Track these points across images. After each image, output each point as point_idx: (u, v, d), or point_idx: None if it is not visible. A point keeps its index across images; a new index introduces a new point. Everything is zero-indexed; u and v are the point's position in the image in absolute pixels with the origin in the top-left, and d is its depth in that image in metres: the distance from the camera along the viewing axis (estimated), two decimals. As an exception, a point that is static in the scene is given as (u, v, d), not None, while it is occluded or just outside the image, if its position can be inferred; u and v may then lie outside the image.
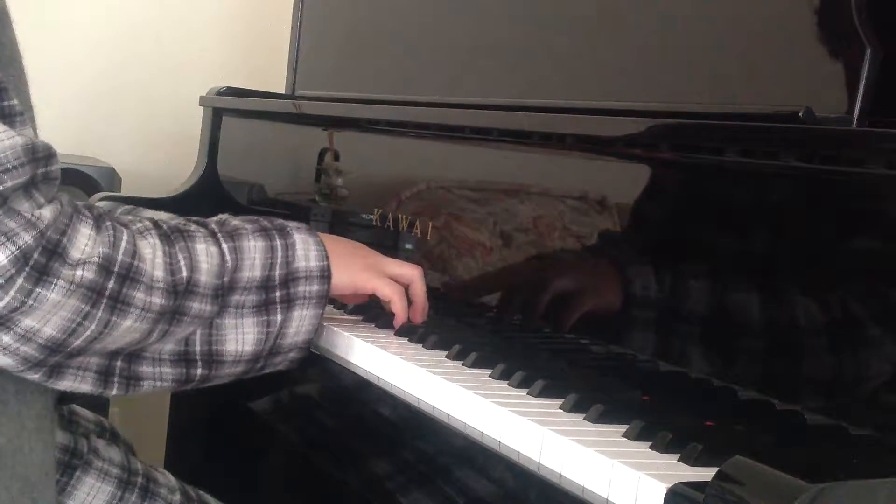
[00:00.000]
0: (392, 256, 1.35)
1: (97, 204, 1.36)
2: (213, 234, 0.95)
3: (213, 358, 0.95)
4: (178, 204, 1.84)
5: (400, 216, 1.33)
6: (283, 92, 1.90)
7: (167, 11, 2.38)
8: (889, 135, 0.80)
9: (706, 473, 0.66)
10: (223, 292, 0.93)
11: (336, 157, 1.55)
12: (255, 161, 1.82)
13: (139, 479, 1.08)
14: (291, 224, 1.01)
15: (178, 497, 1.11)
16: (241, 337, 0.95)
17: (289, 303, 0.97)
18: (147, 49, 2.37)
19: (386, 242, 1.36)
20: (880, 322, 0.79)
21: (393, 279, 1.10)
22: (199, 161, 1.91)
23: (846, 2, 0.88)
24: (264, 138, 1.80)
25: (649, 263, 1.00)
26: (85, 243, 0.83)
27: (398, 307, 1.09)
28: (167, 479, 1.13)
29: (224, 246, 0.94)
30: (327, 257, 1.00)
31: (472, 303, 1.21)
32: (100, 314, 0.84)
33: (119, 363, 0.91)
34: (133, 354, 0.91)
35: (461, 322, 1.21)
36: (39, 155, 0.83)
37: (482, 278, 1.21)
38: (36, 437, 0.91)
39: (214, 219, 1.00)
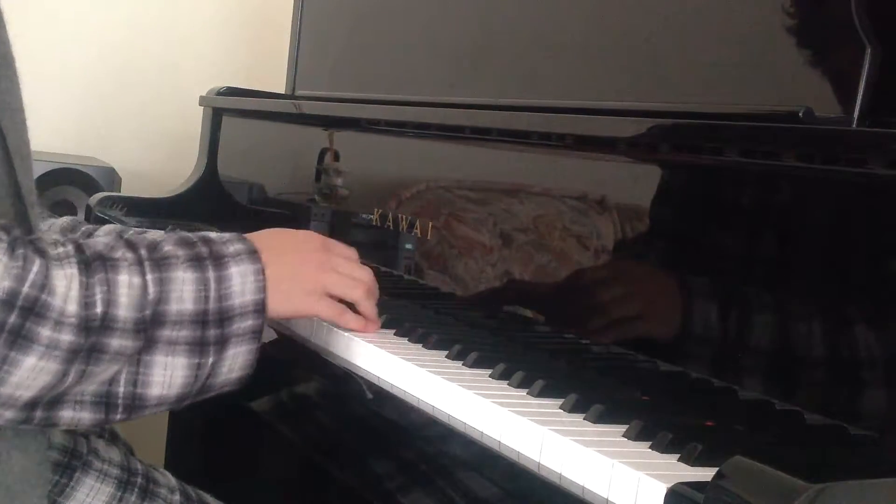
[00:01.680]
0: (392, 257, 1.35)
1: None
2: (139, 262, 0.87)
3: (135, 402, 0.88)
4: (178, 204, 1.84)
5: (400, 216, 1.33)
6: (283, 92, 1.90)
7: (167, 11, 2.39)
8: (889, 135, 0.80)
9: (706, 473, 0.66)
10: (146, 326, 0.86)
11: (336, 157, 1.55)
12: (255, 161, 1.82)
13: (139, 480, 1.08)
14: (231, 249, 0.92)
15: (177, 497, 1.10)
16: (168, 379, 0.88)
17: (223, 343, 0.90)
18: (147, 49, 2.37)
19: (386, 242, 1.36)
20: (880, 322, 0.79)
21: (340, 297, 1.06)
22: (199, 161, 1.92)
23: (846, 2, 0.88)
24: (264, 138, 1.80)
25: (648, 263, 1.00)
26: None
27: (352, 326, 1.07)
28: (167, 479, 1.12)
29: (148, 277, 0.86)
30: (264, 289, 0.91)
31: (472, 303, 1.21)
32: None
33: (38, 413, 0.85)
34: (54, 400, 0.85)
35: (461, 322, 1.21)
36: None
37: (482, 278, 1.21)
38: (16, 443, 0.88)
39: (147, 240, 0.91)
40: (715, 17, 1.04)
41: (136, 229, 1.21)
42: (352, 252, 1.09)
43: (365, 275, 1.08)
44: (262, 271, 0.92)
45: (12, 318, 0.78)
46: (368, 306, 1.09)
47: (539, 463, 0.81)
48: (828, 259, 0.84)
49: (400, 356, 1.02)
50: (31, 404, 0.83)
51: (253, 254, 0.92)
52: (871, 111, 0.87)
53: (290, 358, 1.20)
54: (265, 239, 0.96)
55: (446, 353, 1.06)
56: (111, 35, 2.34)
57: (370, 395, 1.04)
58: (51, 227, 1.23)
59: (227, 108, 1.88)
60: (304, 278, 1.01)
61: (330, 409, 1.43)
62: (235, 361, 0.91)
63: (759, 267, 0.89)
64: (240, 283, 0.90)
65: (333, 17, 1.80)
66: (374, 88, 1.59)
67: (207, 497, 1.16)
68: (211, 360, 0.89)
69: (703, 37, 1.05)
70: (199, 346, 0.89)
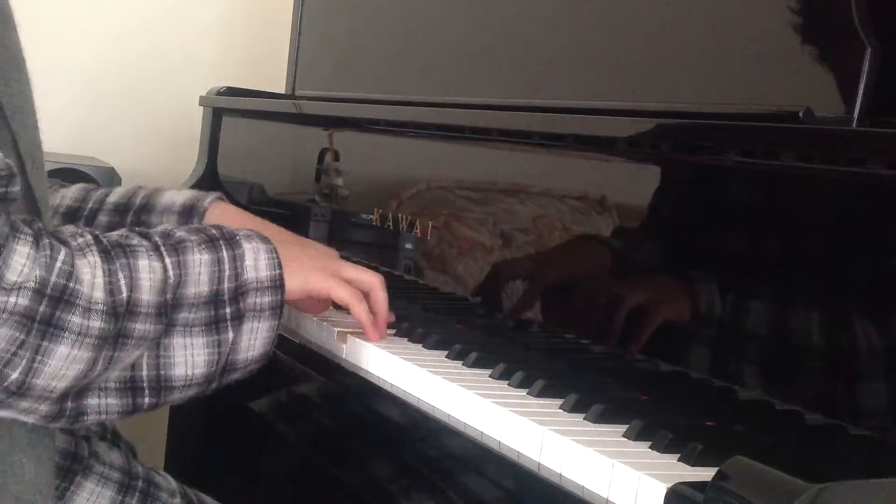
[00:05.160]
0: (392, 256, 1.35)
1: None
2: (156, 248, 0.88)
3: (161, 384, 0.89)
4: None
5: (400, 216, 1.33)
6: (283, 92, 1.90)
7: (167, 11, 2.38)
8: (889, 135, 0.80)
9: (706, 473, 0.66)
10: (167, 310, 0.87)
11: (336, 157, 1.55)
12: (255, 161, 1.82)
13: (140, 483, 1.07)
14: (242, 232, 0.95)
15: (178, 500, 1.10)
16: (190, 359, 0.89)
17: (239, 318, 0.91)
18: (147, 49, 2.37)
19: (386, 242, 1.36)
20: (880, 322, 0.79)
21: (349, 283, 1.05)
22: (199, 161, 1.92)
23: (846, 2, 0.89)
24: (264, 138, 1.80)
25: (648, 263, 1.00)
26: (22, 264, 0.78)
27: (357, 311, 1.05)
28: (168, 482, 1.12)
29: (167, 261, 0.88)
30: (280, 265, 0.94)
31: (472, 303, 1.21)
32: (31, 340, 0.79)
33: (69, 404, 0.85)
34: (82, 389, 0.86)
35: (461, 322, 1.21)
36: (2, 173, 0.79)
37: (482, 278, 1.21)
38: (29, 453, 0.88)
39: (159, 230, 0.93)
40: (715, 17, 1.04)
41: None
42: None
43: (375, 273, 1.09)
44: (275, 250, 0.94)
45: (42, 308, 0.79)
46: (381, 298, 1.08)
47: (539, 463, 0.81)
48: (828, 259, 0.84)
49: (400, 356, 1.02)
50: (64, 395, 0.84)
51: (263, 237, 0.95)
52: (871, 111, 0.87)
53: (290, 358, 1.20)
54: (273, 235, 0.99)
55: (446, 353, 1.06)
56: (111, 35, 2.34)
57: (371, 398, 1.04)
58: (62, 198, 1.23)
59: (227, 108, 1.88)
60: (314, 258, 1.03)
61: (329, 408, 1.43)
62: (255, 338, 0.92)
63: (759, 267, 0.89)
64: (252, 258, 0.92)
65: (333, 17, 1.80)
66: (374, 88, 1.59)
67: (208, 499, 1.16)
68: (231, 336, 0.90)
69: (703, 37, 1.05)
70: (215, 325, 0.90)
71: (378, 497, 1.23)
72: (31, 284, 0.78)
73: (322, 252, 1.08)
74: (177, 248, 0.89)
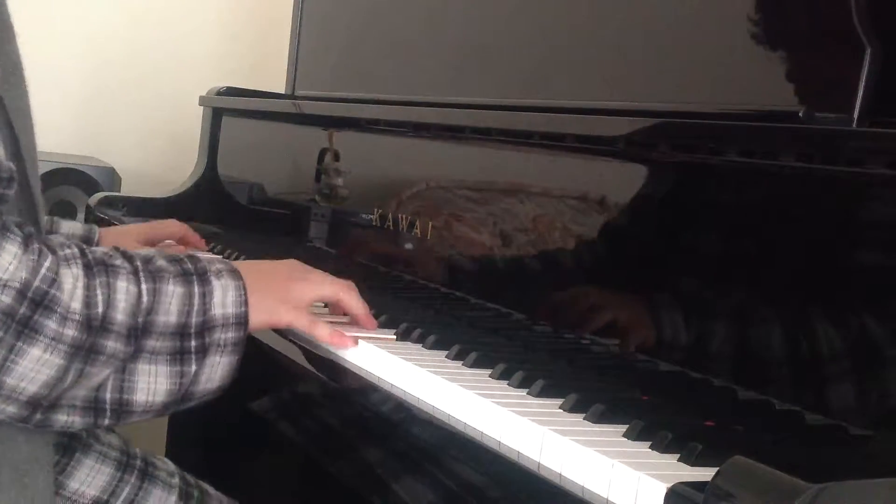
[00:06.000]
0: (391, 257, 1.35)
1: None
2: (135, 272, 0.91)
3: (122, 408, 0.92)
4: (178, 204, 1.84)
5: (400, 216, 1.33)
6: (283, 92, 1.90)
7: (167, 11, 2.39)
8: (889, 135, 0.80)
9: (706, 473, 0.66)
10: (138, 333, 0.90)
11: (336, 157, 1.55)
12: (255, 161, 1.83)
13: (138, 462, 1.10)
14: (214, 267, 0.97)
15: (177, 480, 1.12)
16: (153, 387, 0.92)
17: (204, 352, 0.94)
18: (147, 48, 2.37)
19: (386, 242, 1.36)
20: (880, 322, 0.79)
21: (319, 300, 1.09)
22: (199, 161, 1.92)
23: (846, 2, 0.89)
24: (264, 138, 1.80)
25: (648, 263, 1.00)
26: (9, 262, 0.81)
27: (320, 334, 1.07)
28: (166, 464, 1.14)
29: (143, 286, 0.91)
30: (246, 303, 0.96)
31: (472, 303, 1.21)
32: (7, 338, 0.82)
33: (38, 415, 0.88)
34: (52, 403, 0.88)
35: (461, 322, 1.21)
36: (3, 175, 0.82)
37: (481, 278, 1.21)
38: (22, 425, 0.90)
39: (142, 254, 0.96)
40: (715, 17, 1.04)
41: None
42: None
43: (339, 279, 1.10)
44: (244, 287, 0.96)
45: (22, 309, 0.82)
46: (347, 299, 1.09)
47: (539, 463, 0.81)
48: (828, 259, 0.84)
49: (400, 356, 1.02)
50: (33, 403, 0.86)
51: (234, 271, 0.97)
52: (871, 111, 0.87)
53: (290, 358, 1.20)
54: (244, 263, 1.03)
55: (446, 353, 1.06)
56: (111, 35, 2.34)
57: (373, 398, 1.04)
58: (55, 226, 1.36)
59: (227, 108, 1.88)
60: (276, 286, 1.05)
61: (330, 408, 1.43)
62: (215, 372, 0.94)
63: (759, 266, 0.89)
64: (221, 295, 0.95)
65: (333, 17, 1.80)
66: (374, 88, 1.59)
67: (206, 485, 1.17)
68: (193, 368, 0.93)
69: (702, 37, 1.05)
70: (179, 356, 0.92)
71: (377, 495, 1.23)
72: (16, 285, 0.81)
73: (284, 278, 1.07)
74: (154, 275, 0.92)
